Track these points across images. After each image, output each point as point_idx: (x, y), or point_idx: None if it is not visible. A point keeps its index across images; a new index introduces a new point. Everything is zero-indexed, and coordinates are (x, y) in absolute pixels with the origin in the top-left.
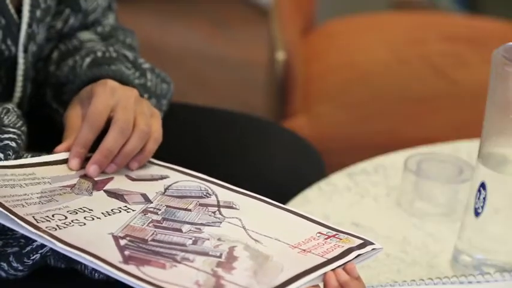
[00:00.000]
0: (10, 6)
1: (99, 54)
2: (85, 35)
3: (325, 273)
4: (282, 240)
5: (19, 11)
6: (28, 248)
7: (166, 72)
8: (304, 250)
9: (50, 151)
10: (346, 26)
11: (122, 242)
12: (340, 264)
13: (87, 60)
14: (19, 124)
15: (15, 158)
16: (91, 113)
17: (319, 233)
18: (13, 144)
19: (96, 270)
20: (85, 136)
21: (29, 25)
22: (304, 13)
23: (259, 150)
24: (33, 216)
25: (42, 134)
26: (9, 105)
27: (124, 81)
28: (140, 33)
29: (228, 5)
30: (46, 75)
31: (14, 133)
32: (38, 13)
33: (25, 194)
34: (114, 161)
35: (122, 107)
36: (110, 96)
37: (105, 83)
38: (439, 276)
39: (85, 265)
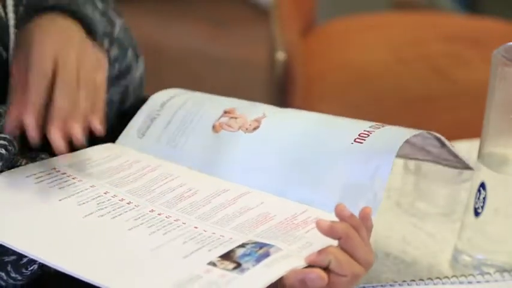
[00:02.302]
0: (1, 10)
1: None
2: None
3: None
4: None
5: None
6: (25, 260)
7: (167, 73)
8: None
9: (49, 153)
10: (346, 26)
11: None
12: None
13: None
14: None
15: (8, 165)
16: (34, 72)
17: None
18: (2, 151)
19: None
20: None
21: (16, 26)
22: (304, 13)
23: None
24: None
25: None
26: (3, 108)
27: (84, 21)
28: (140, 33)
29: (228, 5)
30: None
31: (4, 139)
32: (21, 10)
33: None
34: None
35: (62, 64)
36: (49, 47)
37: (39, 24)
38: (439, 276)
39: None
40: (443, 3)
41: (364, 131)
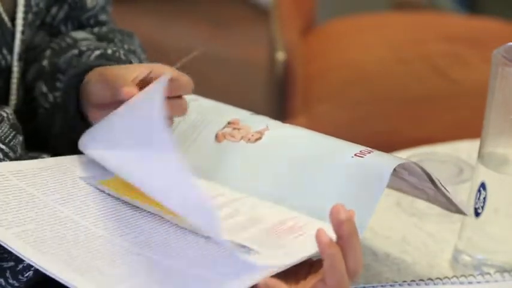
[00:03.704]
0: (4, 15)
1: (109, 51)
2: (79, 34)
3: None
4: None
5: (12, 18)
6: (20, 266)
7: None
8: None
9: (48, 152)
10: (346, 26)
11: None
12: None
13: (97, 52)
14: (11, 136)
15: None
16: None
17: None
18: (5, 159)
19: None
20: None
21: (22, 32)
22: (304, 13)
23: None
24: None
25: (40, 135)
26: (5, 112)
27: None
28: (140, 33)
29: (228, 5)
30: (38, 72)
31: (6, 144)
32: (30, 17)
33: None
34: None
35: None
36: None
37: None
38: (439, 276)
39: None
40: (443, 3)
41: (366, 149)
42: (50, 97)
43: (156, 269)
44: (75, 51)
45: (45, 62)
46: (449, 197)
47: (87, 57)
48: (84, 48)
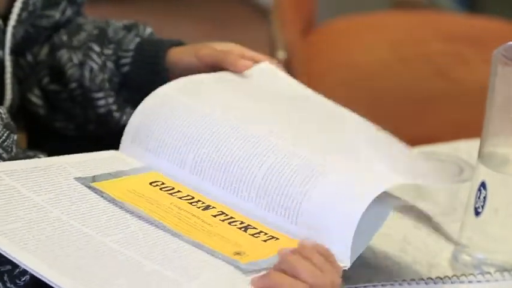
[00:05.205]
0: None
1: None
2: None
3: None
4: None
5: (3, 15)
6: (17, 271)
7: None
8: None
9: (48, 150)
10: (346, 25)
11: None
12: None
13: (148, 30)
14: (4, 136)
15: None
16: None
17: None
18: None
19: None
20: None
21: (14, 27)
22: (304, 13)
23: None
24: None
25: (40, 134)
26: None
27: None
28: None
29: (228, 5)
30: (59, 43)
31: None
32: (24, 14)
33: None
34: None
35: None
36: None
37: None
38: (439, 275)
39: None
40: (444, 2)
41: None
42: (102, 57)
43: (141, 272)
44: (119, 24)
45: (64, 37)
46: (440, 229)
47: (142, 31)
48: (126, 23)
